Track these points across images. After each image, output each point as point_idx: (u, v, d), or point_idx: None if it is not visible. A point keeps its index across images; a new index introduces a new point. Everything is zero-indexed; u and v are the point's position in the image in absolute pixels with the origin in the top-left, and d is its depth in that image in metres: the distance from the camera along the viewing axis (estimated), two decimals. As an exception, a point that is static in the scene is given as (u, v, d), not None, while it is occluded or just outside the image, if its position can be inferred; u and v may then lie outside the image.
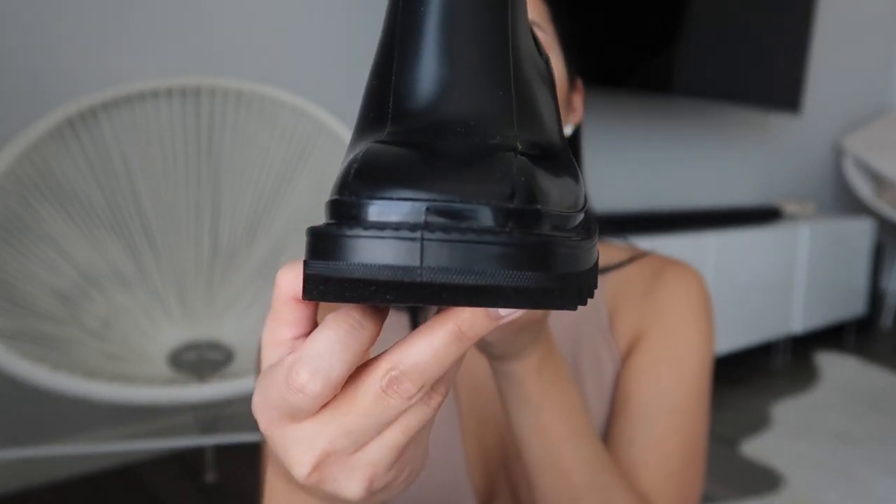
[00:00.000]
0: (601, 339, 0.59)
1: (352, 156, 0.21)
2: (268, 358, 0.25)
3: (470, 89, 0.23)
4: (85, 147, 1.45)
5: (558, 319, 0.59)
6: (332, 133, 1.61)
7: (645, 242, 2.07)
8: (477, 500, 0.56)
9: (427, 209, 0.19)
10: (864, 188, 3.25)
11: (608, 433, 0.56)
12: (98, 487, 1.60)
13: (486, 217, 0.19)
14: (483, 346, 0.37)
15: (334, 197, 0.21)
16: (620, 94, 2.52)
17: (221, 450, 1.76)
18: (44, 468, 1.61)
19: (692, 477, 0.55)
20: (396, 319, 0.58)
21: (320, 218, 1.63)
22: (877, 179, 3.28)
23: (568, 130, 0.58)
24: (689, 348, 0.57)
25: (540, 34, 0.53)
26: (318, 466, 0.24)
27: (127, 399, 1.13)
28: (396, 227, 0.19)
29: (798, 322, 2.76)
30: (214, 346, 1.57)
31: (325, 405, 0.24)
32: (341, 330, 0.22)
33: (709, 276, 2.31)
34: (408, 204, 0.19)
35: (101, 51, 1.60)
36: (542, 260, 0.20)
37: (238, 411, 1.84)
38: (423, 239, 0.19)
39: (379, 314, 0.23)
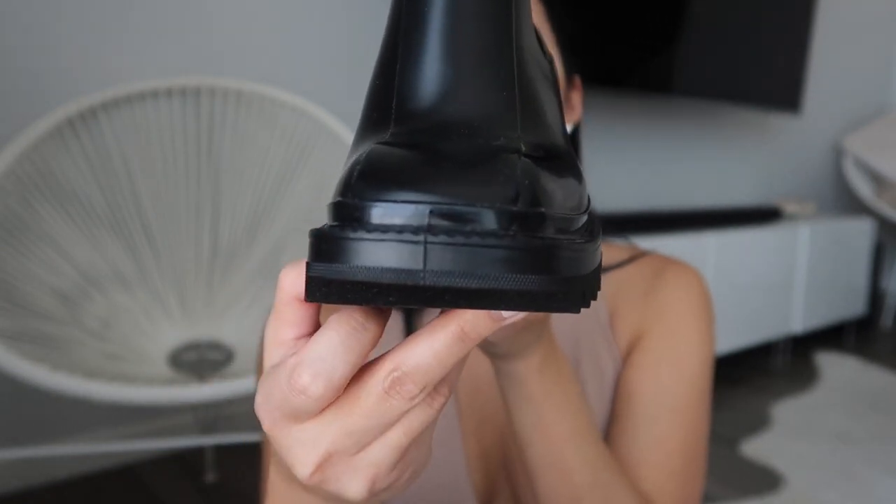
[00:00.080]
0: (602, 339, 0.59)
1: (355, 157, 0.21)
2: (270, 358, 0.25)
3: (474, 90, 0.22)
4: (85, 147, 1.45)
5: (559, 319, 0.59)
6: (332, 133, 1.61)
7: (645, 242, 2.06)
8: (477, 499, 0.56)
9: (430, 212, 0.19)
10: (864, 188, 3.25)
11: (609, 432, 0.56)
12: (98, 487, 1.59)
13: (489, 220, 0.19)
14: (485, 345, 0.37)
15: (337, 199, 0.21)
16: (620, 94, 2.52)
17: (221, 450, 1.76)
18: (44, 468, 1.61)
19: (693, 476, 0.55)
20: (391, 321, 0.58)
21: (320, 218, 1.63)
22: (877, 179, 3.28)
23: (567, 129, 0.58)
24: (690, 348, 0.57)
25: None
26: (320, 467, 0.24)
27: (127, 399, 1.13)
28: (400, 229, 0.19)
29: (798, 322, 2.76)
30: (214, 346, 1.57)
31: (327, 406, 0.24)
32: (343, 331, 0.22)
33: (709, 276, 2.31)
34: (411, 207, 0.19)
35: (101, 51, 1.60)
36: (546, 263, 0.20)
37: (238, 411, 1.84)
38: (426, 242, 0.19)
39: (381, 315, 0.23)
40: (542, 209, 0.20)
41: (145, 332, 1.52)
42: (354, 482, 0.25)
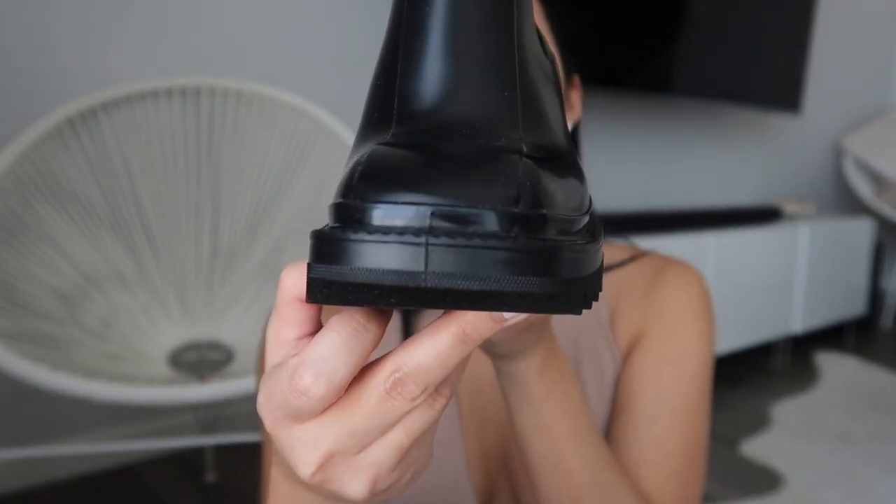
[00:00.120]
0: (602, 339, 0.59)
1: (356, 158, 0.21)
2: (272, 358, 0.25)
3: (475, 90, 0.22)
4: (85, 147, 1.45)
5: (559, 319, 0.59)
6: (332, 133, 1.61)
7: (645, 242, 2.06)
8: (477, 500, 0.56)
9: (432, 213, 0.19)
10: (864, 188, 3.25)
11: (609, 432, 0.56)
12: (98, 487, 1.59)
13: (491, 222, 0.19)
14: (486, 345, 0.37)
15: (338, 200, 0.21)
16: (620, 94, 2.52)
17: (221, 450, 1.76)
18: (44, 468, 1.61)
19: (693, 476, 0.55)
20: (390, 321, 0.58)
21: (320, 218, 1.63)
22: (877, 179, 3.28)
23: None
24: (690, 347, 0.57)
25: None
26: (322, 466, 0.25)
27: (127, 399, 1.13)
28: (401, 231, 0.19)
29: (798, 322, 2.76)
30: (214, 346, 1.57)
31: (329, 406, 0.24)
32: (345, 333, 0.22)
33: (709, 276, 2.31)
34: (412, 208, 0.19)
35: (101, 51, 1.60)
36: (548, 265, 0.20)
37: (238, 411, 1.84)
38: (427, 244, 0.19)
39: (383, 317, 0.23)
40: (544, 210, 0.20)
41: (145, 332, 1.52)
42: (356, 482, 0.25)
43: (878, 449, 2.00)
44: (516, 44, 0.24)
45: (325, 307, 0.56)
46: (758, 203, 3.24)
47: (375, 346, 0.23)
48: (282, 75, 1.84)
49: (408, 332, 0.56)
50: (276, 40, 1.83)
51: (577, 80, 0.61)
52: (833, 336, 3.19)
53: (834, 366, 2.75)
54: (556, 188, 0.22)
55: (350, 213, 0.20)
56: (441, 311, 0.25)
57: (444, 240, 0.19)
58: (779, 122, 3.27)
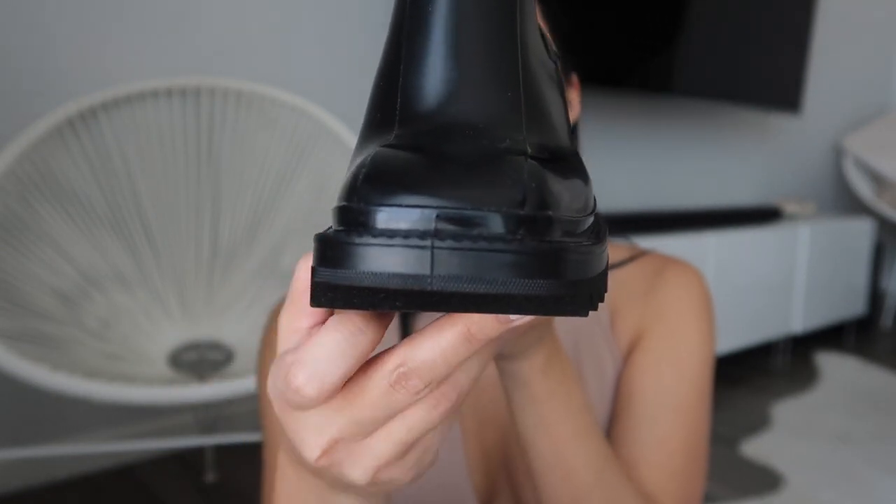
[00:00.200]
0: (602, 339, 0.59)
1: (360, 160, 0.21)
2: (284, 343, 0.26)
3: (478, 90, 0.22)
4: (85, 147, 1.45)
5: (561, 320, 0.59)
6: (332, 133, 1.61)
7: (645, 242, 2.07)
8: (477, 500, 0.56)
9: (437, 216, 0.19)
10: (864, 188, 3.25)
11: (610, 432, 0.56)
12: (98, 487, 1.59)
13: (496, 224, 0.19)
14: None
15: (342, 203, 0.20)
16: (620, 94, 2.52)
17: (221, 450, 1.76)
18: (44, 468, 1.61)
19: (695, 476, 0.55)
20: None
21: (320, 218, 1.63)
22: (877, 179, 3.28)
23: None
24: (690, 347, 0.57)
25: None
26: (327, 451, 0.25)
27: (127, 399, 1.13)
28: (406, 234, 0.19)
29: (798, 322, 2.76)
30: (214, 346, 1.57)
31: (335, 394, 0.24)
32: (341, 336, 0.22)
33: (709, 276, 2.31)
34: (417, 211, 0.19)
35: (101, 51, 1.60)
36: (554, 267, 0.20)
37: (238, 411, 1.84)
38: (433, 247, 0.19)
39: (382, 320, 0.24)
40: (550, 212, 0.20)
41: (145, 332, 1.52)
42: (357, 469, 0.26)
43: (878, 449, 2.00)
44: (519, 43, 0.23)
45: None
46: (758, 203, 3.24)
47: (373, 349, 0.23)
48: (282, 75, 1.84)
49: (406, 329, 0.56)
50: (276, 40, 1.83)
51: (575, 78, 0.61)
52: (833, 336, 3.19)
53: (834, 366, 2.75)
54: (562, 189, 0.21)
55: (354, 216, 0.20)
56: None
57: (449, 243, 0.19)
58: (779, 122, 3.27)
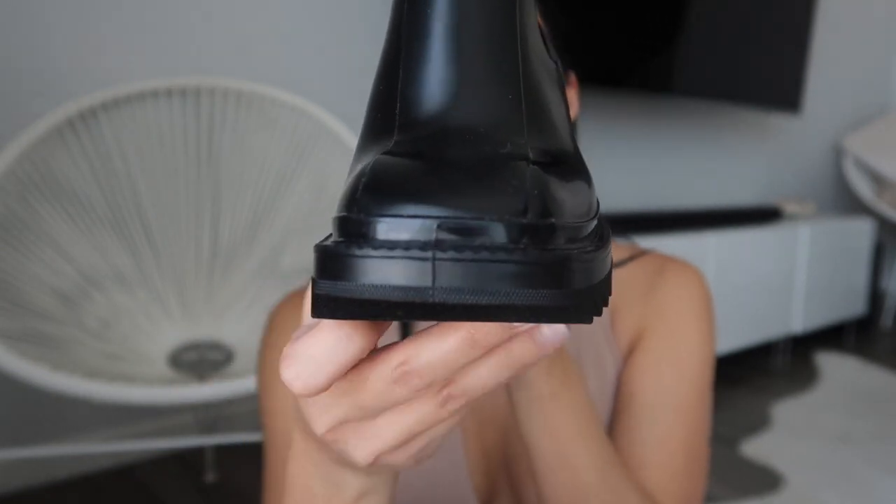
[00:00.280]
0: (602, 339, 0.59)
1: (359, 168, 0.21)
2: (302, 324, 0.27)
3: (478, 93, 0.22)
4: (85, 147, 1.45)
5: (560, 319, 0.59)
6: (332, 133, 1.61)
7: (645, 242, 2.07)
8: (477, 500, 0.56)
9: (438, 226, 0.19)
10: (864, 188, 3.25)
11: (611, 432, 0.56)
12: (98, 487, 1.59)
13: (499, 234, 0.19)
14: None
15: (342, 213, 0.20)
16: (620, 94, 2.52)
17: (221, 450, 1.76)
18: (44, 468, 1.61)
19: (696, 475, 0.55)
20: None
21: (320, 219, 1.63)
22: (877, 179, 3.28)
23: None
24: (691, 347, 0.57)
25: None
26: (332, 429, 0.26)
27: (127, 399, 1.13)
28: (406, 245, 0.19)
29: (798, 322, 2.76)
30: (214, 346, 1.57)
31: (340, 380, 0.25)
32: (334, 338, 0.23)
33: (709, 276, 2.31)
34: (418, 221, 0.19)
35: (101, 51, 1.60)
36: (558, 277, 0.19)
37: (238, 411, 1.84)
38: (434, 258, 0.19)
39: (377, 327, 0.24)
40: (553, 219, 0.20)
41: (145, 332, 1.52)
42: (360, 449, 0.26)
43: (878, 449, 2.00)
44: (519, 44, 0.23)
45: None
46: (758, 203, 3.24)
47: (362, 355, 0.23)
48: (282, 75, 1.84)
49: (405, 328, 0.56)
50: (275, 40, 1.83)
51: (573, 77, 0.61)
52: (833, 336, 3.19)
53: (834, 366, 2.75)
54: (565, 194, 0.21)
55: (354, 227, 0.20)
56: None
57: (451, 254, 0.19)
58: (779, 123, 3.27)
